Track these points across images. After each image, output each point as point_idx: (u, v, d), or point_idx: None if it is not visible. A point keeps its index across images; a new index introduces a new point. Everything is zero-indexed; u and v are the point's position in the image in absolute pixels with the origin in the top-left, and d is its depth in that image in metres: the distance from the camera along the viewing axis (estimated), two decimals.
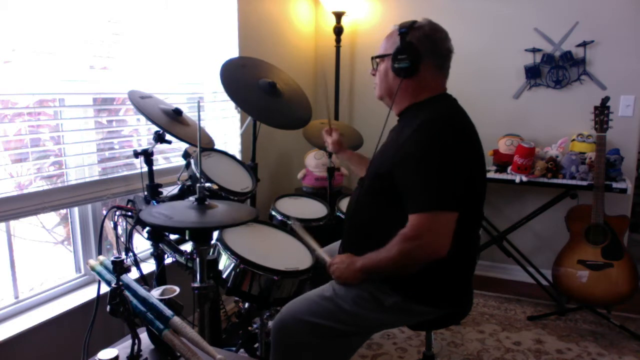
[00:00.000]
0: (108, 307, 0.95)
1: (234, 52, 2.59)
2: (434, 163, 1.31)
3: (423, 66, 1.43)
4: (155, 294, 1.03)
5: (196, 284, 1.38)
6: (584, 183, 2.65)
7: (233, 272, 1.60)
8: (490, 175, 2.81)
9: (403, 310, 1.45)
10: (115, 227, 1.76)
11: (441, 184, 1.30)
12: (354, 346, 1.53)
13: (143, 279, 1.78)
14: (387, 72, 1.51)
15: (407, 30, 1.43)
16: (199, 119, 1.38)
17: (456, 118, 1.44)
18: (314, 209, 2.30)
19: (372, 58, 1.57)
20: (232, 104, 2.59)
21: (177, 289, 1.06)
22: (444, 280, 1.47)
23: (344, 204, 2.38)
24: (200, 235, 1.35)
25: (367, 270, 1.42)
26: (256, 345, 1.87)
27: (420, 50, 1.42)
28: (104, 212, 1.89)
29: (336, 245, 1.81)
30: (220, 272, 1.61)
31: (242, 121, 2.65)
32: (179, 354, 0.94)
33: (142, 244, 2.18)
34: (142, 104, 1.73)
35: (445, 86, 1.53)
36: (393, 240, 1.34)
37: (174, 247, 1.74)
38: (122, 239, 1.75)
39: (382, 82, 1.54)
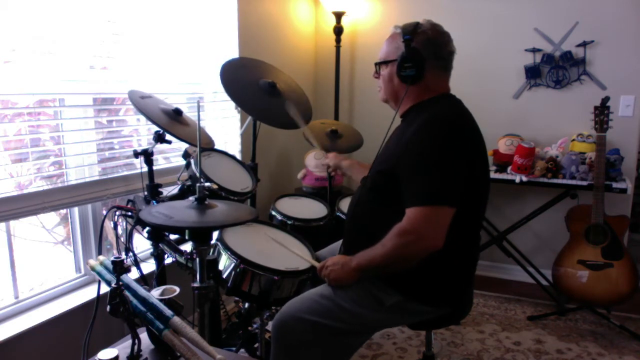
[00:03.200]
0: (108, 307, 0.95)
1: (234, 52, 2.60)
2: (434, 159, 1.33)
3: (427, 70, 1.45)
4: (155, 294, 1.03)
5: (196, 284, 1.38)
6: (584, 183, 2.65)
7: (233, 272, 1.60)
8: (490, 175, 2.80)
9: (403, 309, 1.45)
10: (115, 227, 1.76)
11: (440, 179, 1.31)
12: (354, 345, 1.53)
13: (143, 279, 1.78)
14: (391, 77, 1.51)
15: (411, 37, 1.44)
16: (199, 119, 1.38)
17: (458, 117, 1.45)
18: (314, 209, 2.30)
19: (376, 64, 1.57)
20: (232, 104, 2.59)
21: (177, 289, 1.06)
22: (445, 279, 1.47)
23: (344, 204, 2.38)
24: (200, 235, 1.35)
25: (363, 268, 1.42)
26: (256, 345, 1.87)
27: (424, 56, 1.43)
28: (104, 212, 1.89)
29: (337, 245, 1.81)
30: (220, 272, 1.61)
31: (242, 121, 2.65)
32: (179, 354, 0.94)
33: (142, 244, 2.17)
34: (142, 104, 1.73)
35: (448, 86, 1.54)
36: (388, 235, 1.34)
37: (174, 247, 1.74)
38: (122, 239, 1.75)
39: (387, 86, 1.55)
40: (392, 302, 1.43)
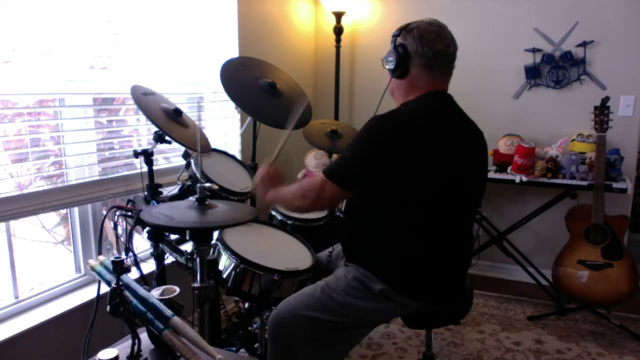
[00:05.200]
0: (108, 307, 0.95)
1: (234, 52, 2.59)
2: (351, 147, 1.44)
3: (413, 67, 1.48)
4: (155, 294, 1.03)
5: (196, 284, 1.38)
6: (584, 183, 2.65)
7: (233, 272, 1.60)
8: (490, 175, 2.81)
9: (391, 300, 1.45)
10: (115, 227, 1.76)
11: (340, 160, 1.45)
12: (351, 341, 1.53)
13: (143, 279, 1.78)
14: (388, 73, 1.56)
15: (398, 33, 1.50)
16: (199, 119, 1.38)
17: (413, 117, 1.45)
18: None
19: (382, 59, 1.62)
20: (232, 104, 2.59)
21: (177, 289, 1.06)
22: (425, 275, 1.46)
23: (344, 204, 2.38)
24: (201, 235, 1.35)
25: (272, 195, 1.59)
26: (256, 345, 1.87)
27: (409, 52, 1.47)
28: (104, 212, 1.89)
29: (336, 245, 1.82)
30: (220, 272, 1.61)
31: (242, 121, 2.65)
32: (179, 354, 0.94)
33: (142, 244, 2.18)
34: (143, 101, 1.72)
35: (437, 84, 1.51)
36: (299, 182, 1.54)
37: (174, 247, 1.74)
38: (122, 239, 1.75)
39: (389, 81, 1.60)
40: (379, 289, 1.44)
